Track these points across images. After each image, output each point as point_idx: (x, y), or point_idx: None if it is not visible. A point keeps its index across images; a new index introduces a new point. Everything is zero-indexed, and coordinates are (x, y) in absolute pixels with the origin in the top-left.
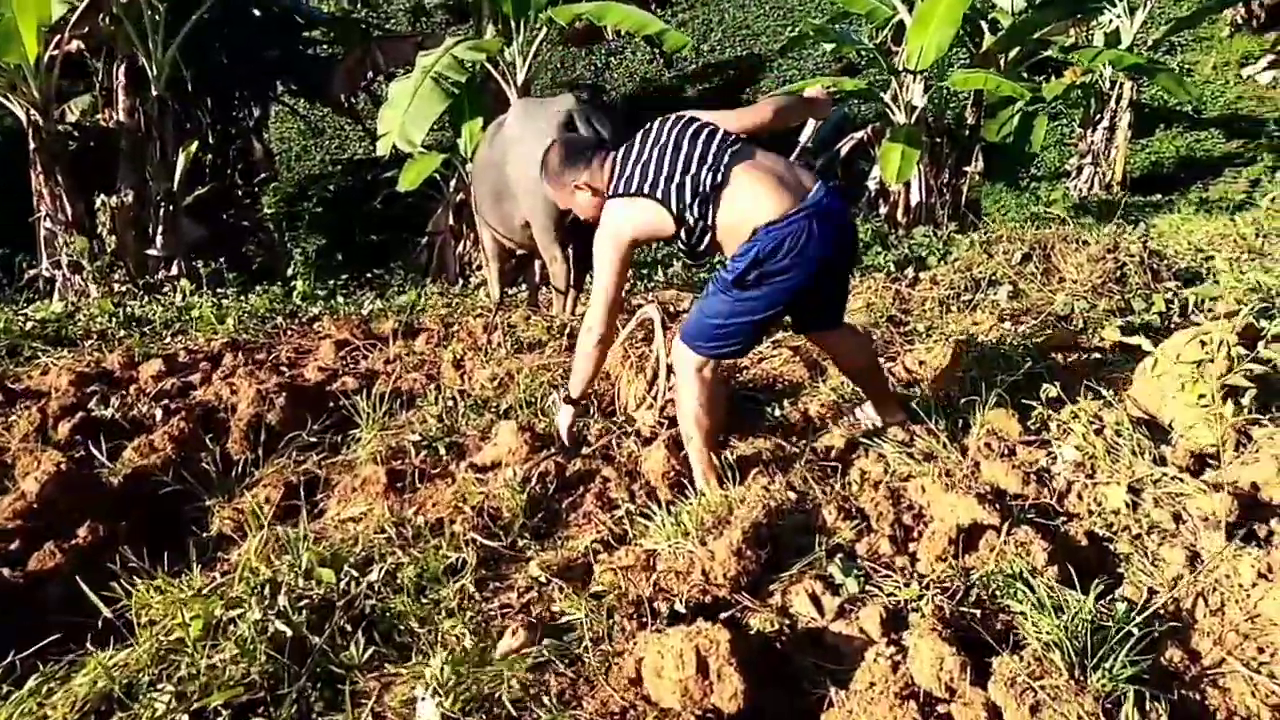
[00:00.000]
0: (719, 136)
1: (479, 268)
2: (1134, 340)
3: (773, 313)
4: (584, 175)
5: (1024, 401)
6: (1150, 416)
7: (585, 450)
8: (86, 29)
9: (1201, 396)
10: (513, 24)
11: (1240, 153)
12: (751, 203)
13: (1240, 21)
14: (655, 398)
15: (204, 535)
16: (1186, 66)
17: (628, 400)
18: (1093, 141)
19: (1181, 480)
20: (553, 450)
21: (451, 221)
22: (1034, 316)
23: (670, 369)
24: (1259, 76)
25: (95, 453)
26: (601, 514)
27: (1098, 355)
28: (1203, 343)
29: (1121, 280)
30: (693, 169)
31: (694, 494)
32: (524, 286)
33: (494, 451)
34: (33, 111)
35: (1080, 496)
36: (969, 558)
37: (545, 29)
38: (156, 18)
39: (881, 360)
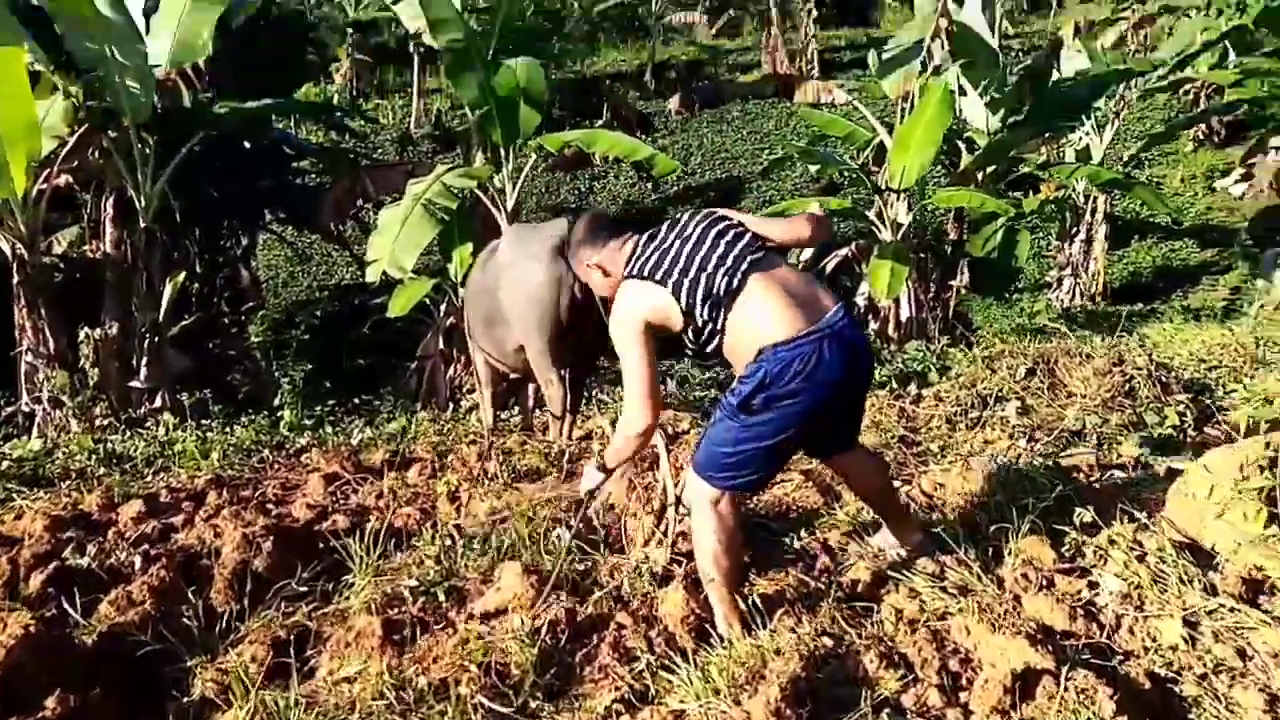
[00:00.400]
0: (744, 241)
1: (470, 392)
2: (1161, 460)
3: (783, 438)
4: (598, 255)
5: (1055, 526)
6: (1190, 540)
7: (597, 592)
8: (76, 163)
9: (1245, 518)
10: (502, 152)
11: (1216, 261)
12: (762, 318)
13: (1202, 137)
14: (665, 533)
15: (185, 700)
16: (1155, 180)
17: (636, 536)
18: (1071, 253)
19: (1240, 611)
20: (561, 594)
21: (442, 346)
22: (1046, 433)
23: (679, 500)
24: (1231, 189)
25: (69, 609)
26: (619, 666)
27: (1120, 473)
28: (1241, 463)
29: (1130, 393)
30: (709, 268)
31: (717, 640)
32: (517, 411)
33: (498, 597)
34: (18, 245)
35: (1132, 631)
36: (1027, 708)
37: (534, 156)
38: (147, 151)
39: (896, 483)
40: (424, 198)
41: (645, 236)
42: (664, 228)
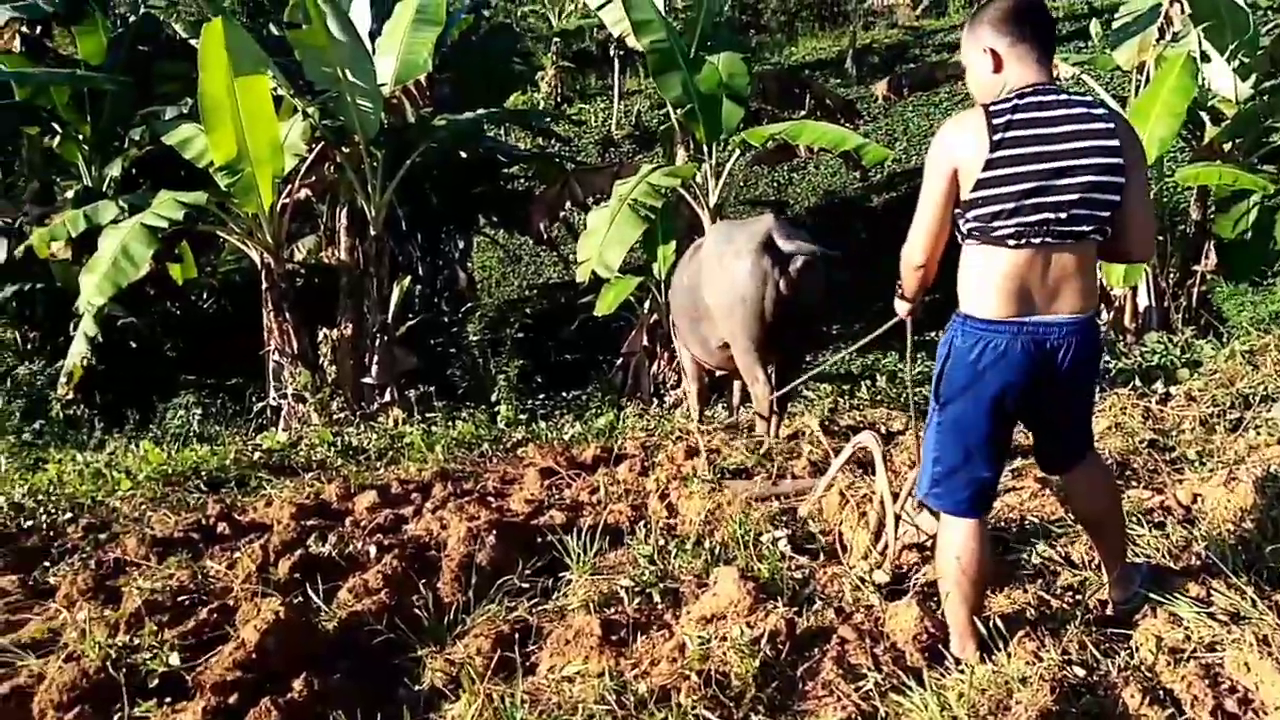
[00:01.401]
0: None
1: (674, 387)
2: None
3: (978, 437)
4: (1004, 44)
5: None
6: None
7: (817, 603)
8: (314, 178)
9: None
10: (705, 148)
11: None
12: (988, 276)
13: None
14: (883, 552)
15: (416, 689)
16: None
17: (852, 546)
18: None
19: None
20: (779, 602)
21: (646, 342)
22: None
23: (898, 517)
24: None
25: (313, 595)
26: (844, 684)
27: None
28: None
29: None
30: (1048, 185)
31: (952, 662)
32: (723, 408)
33: (714, 602)
34: (266, 255)
35: None
36: None
37: (737, 151)
38: (375, 164)
39: (1148, 493)
40: (629, 198)
41: (1037, 89)
42: (1050, 99)
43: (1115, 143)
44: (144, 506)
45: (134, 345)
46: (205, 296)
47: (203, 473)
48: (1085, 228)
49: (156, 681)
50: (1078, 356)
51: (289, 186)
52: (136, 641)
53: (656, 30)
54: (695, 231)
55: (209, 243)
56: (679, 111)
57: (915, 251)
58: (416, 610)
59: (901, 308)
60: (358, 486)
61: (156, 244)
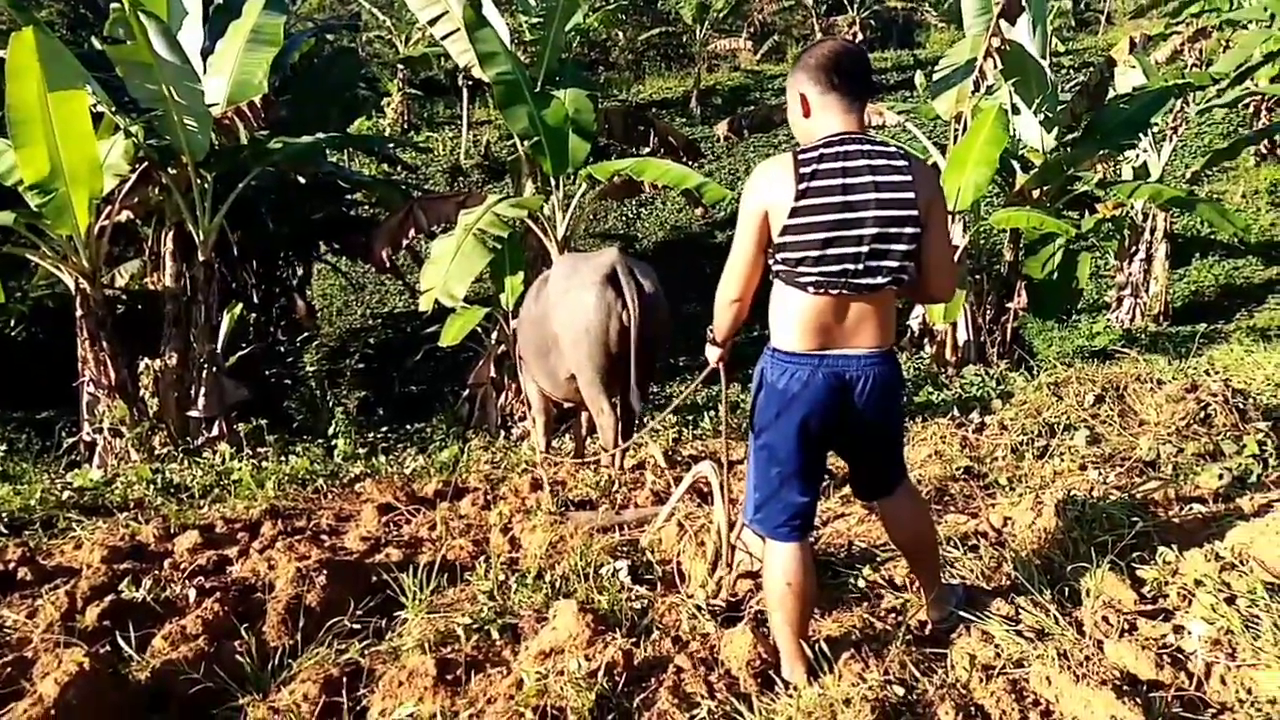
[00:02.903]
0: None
1: (521, 419)
2: (1243, 493)
3: (790, 464)
4: (814, 91)
5: (1135, 565)
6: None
7: (655, 633)
8: (136, 199)
9: None
10: (553, 181)
11: None
12: (792, 314)
13: (1265, 152)
14: (719, 583)
15: None
16: (1215, 196)
17: (691, 575)
18: (1130, 273)
19: None
20: (617, 634)
21: (493, 373)
22: (1119, 464)
23: (733, 546)
24: None
25: (123, 644)
26: (679, 713)
27: (1201, 507)
28: None
29: (1206, 421)
30: (844, 235)
31: (782, 686)
32: (569, 440)
33: (553, 636)
34: (81, 280)
35: (1224, 682)
36: None
37: (584, 185)
38: (205, 186)
39: (963, 517)
40: (475, 227)
41: (842, 139)
42: (853, 149)
43: (910, 195)
44: None
45: None
46: (13, 323)
47: (3, 513)
48: (879, 280)
49: None
50: (876, 387)
51: (109, 208)
52: None
53: (503, 63)
54: (544, 263)
55: (19, 266)
56: (526, 144)
57: (729, 289)
58: (239, 657)
59: (712, 354)
60: (178, 526)
61: None
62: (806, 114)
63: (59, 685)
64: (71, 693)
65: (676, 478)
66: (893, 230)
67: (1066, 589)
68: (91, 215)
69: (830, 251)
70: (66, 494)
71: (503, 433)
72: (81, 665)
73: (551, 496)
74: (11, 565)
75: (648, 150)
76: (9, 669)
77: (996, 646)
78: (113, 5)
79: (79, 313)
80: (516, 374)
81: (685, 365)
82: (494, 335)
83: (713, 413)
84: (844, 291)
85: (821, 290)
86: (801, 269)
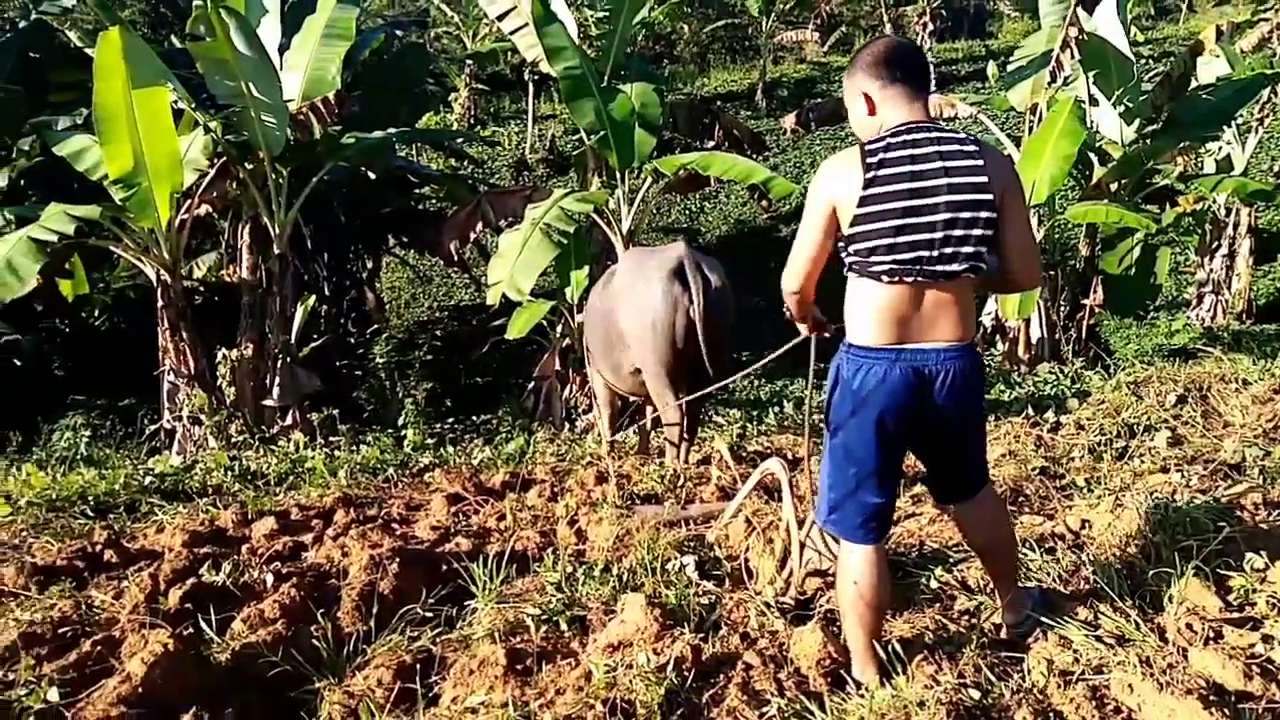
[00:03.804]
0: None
1: (585, 412)
2: None
3: (867, 463)
4: (876, 87)
5: (1220, 571)
6: None
7: (723, 629)
8: (215, 194)
9: None
10: (618, 175)
11: None
12: (867, 307)
13: None
14: (788, 581)
15: None
16: None
17: (759, 572)
18: (1212, 269)
19: None
20: (685, 629)
21: (558, 366)
22: (1202, 466)
23: (803, 544)
24: None
25: (204, 626)
26: (749, 710)
27: None
28: None
29: None
30: (917, 221)
31: (853, 686)
32: (634, 433)
33: (621, 630)
34: (162, 271)
35: None
36: None
37: (649, 179)
38: (280, 181)
39: (1039, 519)
40: (542, 222)
41: (910, 127)
42: (921, 137)
43: (983, 179)
44: (25, 533)
45: (18, 363)
46: (97, 313)
47: (90, 497)
48: (956, 266)
49: (33, 719)
50: (955, 382)
51: (188, 202)
52: (11, 677)
53: (570, 57)
54: (609, 257)
55: (103, 258)
56: (592, 138)
57: (791, 279)
58: (315, 641)
59: (801, 327)
60: (255, 513)
61: (44, 258)
62: (871, 111)
63: (145, 664)
64: (157, 672)
65: (742, 474)
66: (966, 215)
67: (1148, 595)
68: (172, 209)
69: (903, 239)
70: (148, 479)
71: (567, 426)
72: (166, 646)
73: (617, 490)
74: (99, 547)
75: (713, 144)
76: (99, 647)
77: (1075, 652)
78: (195, 3)
79: (160, 303)
80: (582, 367)
81: (749, 360)
82: (559, 328)
83: (776, 408)
84: (920, 279)
85: (896, 278)
86: (875, 258)
